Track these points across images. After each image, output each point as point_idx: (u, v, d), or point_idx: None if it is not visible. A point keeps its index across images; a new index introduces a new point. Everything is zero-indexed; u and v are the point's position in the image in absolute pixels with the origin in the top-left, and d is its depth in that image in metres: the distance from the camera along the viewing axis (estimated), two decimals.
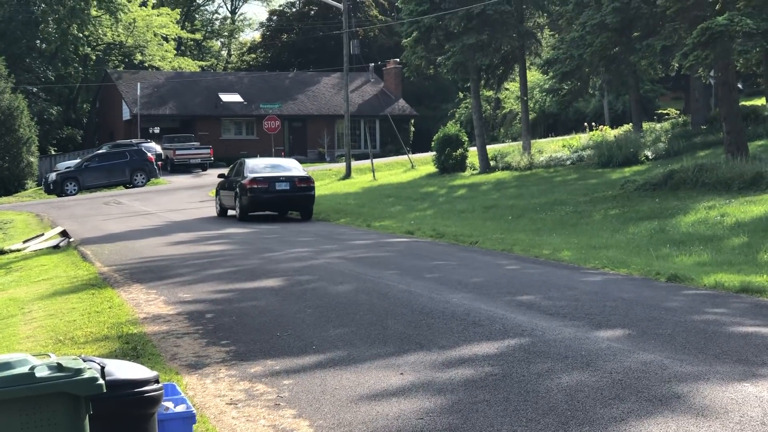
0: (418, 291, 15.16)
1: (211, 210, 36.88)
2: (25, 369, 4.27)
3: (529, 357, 10.31)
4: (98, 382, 4.30)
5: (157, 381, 5.07)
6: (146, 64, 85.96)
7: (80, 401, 4.30)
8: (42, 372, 4.26)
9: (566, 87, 38.07)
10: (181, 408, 6.01)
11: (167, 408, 5.95)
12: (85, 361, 4.70)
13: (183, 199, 44.38)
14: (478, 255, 20.62)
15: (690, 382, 8.99)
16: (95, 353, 11.38)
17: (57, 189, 55.17)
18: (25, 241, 29.32)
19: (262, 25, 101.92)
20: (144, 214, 37.20)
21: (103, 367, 4.76)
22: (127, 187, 55.79)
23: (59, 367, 4.31)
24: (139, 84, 72.02)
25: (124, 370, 5.00)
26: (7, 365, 4.30)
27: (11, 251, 27.48)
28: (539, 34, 47.92)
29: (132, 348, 11.76)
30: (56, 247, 26.90)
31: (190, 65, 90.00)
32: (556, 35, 44.53)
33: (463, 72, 47.39)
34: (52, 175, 57.10)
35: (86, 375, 4.30)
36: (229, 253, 22.35)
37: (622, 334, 11.40)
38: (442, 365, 10.17)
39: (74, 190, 54.77)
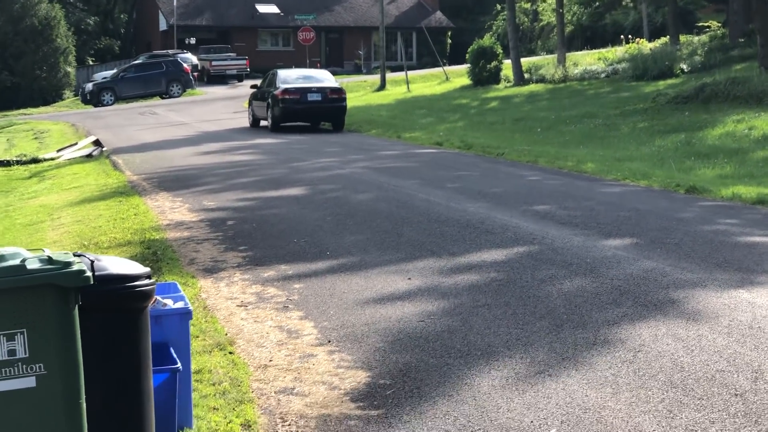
0: (437, 200, 15.37)
1: (245, 121, 37.07)
2: (17, 261, 4.51)
3: (535, 264, 10.53)
4: (86, 275, 4.54)
5: (149, 277, 5.31)
6: None
7: (69, 292, 4.54)
8: (33, 264, 4.51)
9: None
10: (179, 305, 6.28)
11: (165, 304, 6.23)
12: (78, 257, 4.95)
13: (217, 110, 44.59)
14: (502, 166, 20.77)
15: (687, 289, 9.21)
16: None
17: (93, 99, 55.53)
18: (58, 150, 29.72)
19: None
20: (178, 124, 37.46)
21: (92, 261, 5.01)
22: (162, 98, 56.04)
23: (49, 260, 4.56)
24: None
25: (117, 265, 5.24)
26: (0, 257, 4.57)
27: (45, 160, 27.88)
28: None
29: (152, 253, 12.08)
30: (89, 156, 27.27)
31: None
32: None
33: None
34: (89, 86, 57.43)
35: (75, 268, 4.54)
36: (257, 163, 22.61)
37: (629, 242, 11.59)
38: (449, 271, 10.42)
39: (111, 100, 55.10)
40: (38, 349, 4.51)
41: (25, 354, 4.50)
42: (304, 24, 61.69)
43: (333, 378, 7.13)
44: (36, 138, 37.66)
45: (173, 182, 19.42)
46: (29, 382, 4.52)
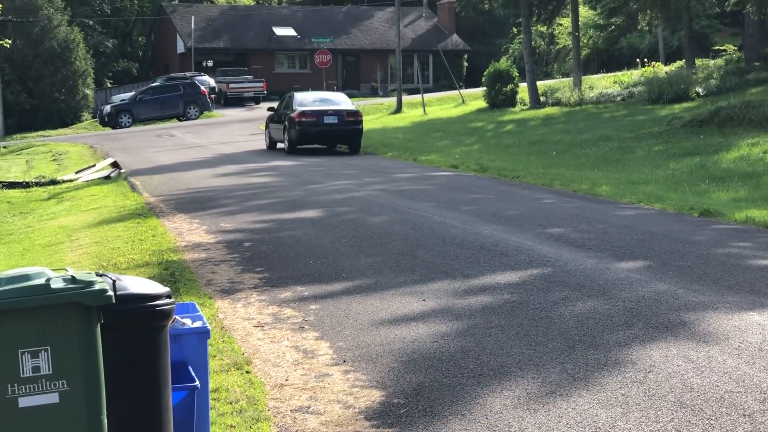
0: (452, 223, 15.50)
1: (261, 143, 37.31)
2: (41, 281, 4.66)
3: (548, 286, 10.65)
4: (107, 294, 4.69)
5: (169, 296, 5.45)
6: None
7: (92, 311, 4.69)
8: (57, 284, 4.66)
9: (614, 23, 37.88)
10: (197, 324, 6.41)
11: (183, 324, 6.36)
12: (100, 276, 5.09)
13: (234, 132, 44.85)
14: (517, 189, 20.90)
15: (698, 311, 9.31)
16: None
17: (111, 121, 55.91)
18: (77, 172, 29.96)
19: None
20: (195, 146, 37.71)
21: (114, 281, 5.16)
22: (180, 120, 56.38)
23: (73, 280, 4.70)
24: (193, 17, 72.40)
25: (137, 285, 5.39)
26: (25, 277, 4.70)
27: (64, 181, 28.11)
28: None
29: (170, 274, 12.22)
30: (107, 177, 27.48)
31: None
32: None
33: (514, 6, 47.35)
34: (107, 108, 57.83)
35: (97, 287, 4.68)
36: (274, 185, 22.77)
37: (642, 265, 11.70)
38: (463, 293, 10.54)
39: (128, 122, 55.46)
40: (61, 366, 4.65)
41: (49, 371, 4.65)
42: (321, 47, 61.95)
43: (348, 397, 7.25)
44: (54, 159, 37.95)
45: (190, 204, 19.59)
46: (53, 398, 4.66)
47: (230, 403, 7.16)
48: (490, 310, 9.70)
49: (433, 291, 10.64)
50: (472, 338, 8.66)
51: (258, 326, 9.55)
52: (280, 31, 76.32)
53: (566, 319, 9.16)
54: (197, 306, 6.85)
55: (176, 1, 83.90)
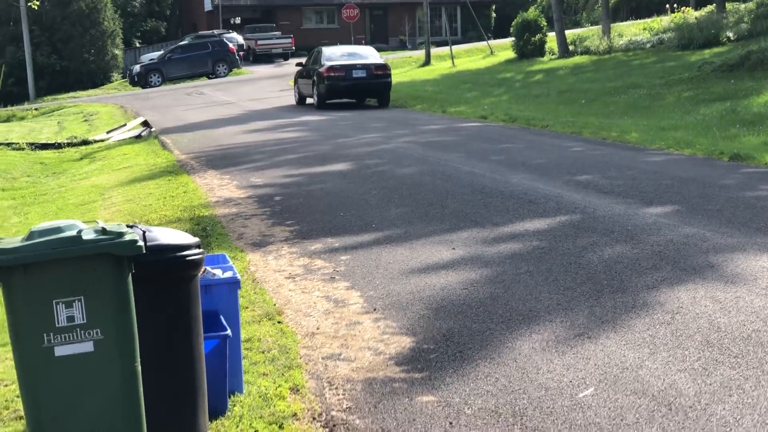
0: (481, 172, 15.54)
1: (291, 99, 37.34)
2: (73, 232, 4.75)
3: (577, 232, 10.70)
4: (138, 244, 4.77)
5: (198, 246, 5.53)
6: None
7: (123, 261, 4.78)
8: (88, 235, 4.75)
9: None
10: (228, 274, 6.51)
11: (214, 274, 6.46)
12: (131, 227, 5.19)
13: (263, 89, 44.89)
14: (546, 138, 20.88)
15: (726, 253, 9.35)
16: None
17: (141, 81, 56.06)
18: (108, 132, 30.12)
19: None
20: (224, 103, 37.79)
21: (144, 232, 5.25)
22: (209, 78, 56.47)
23: (103, 231, 4.79)
24: None
25: (167, 236, 5.48)
26: (58, 229, 4.80)
27: (95, 141, 28.28)
28: None
29: (202, 229, 12.34)
30: (138, 137, 27.62)
31: None
32: None
33: None
34: (136, 67, 57.98)
35: (127, 237, 4.77)
36: (303, 140, 22.84)
37: (671, 210, 11.72)
38: (492, 240, 10.60)
39: (158, 81, 55.60)
40: (95, 315, 4.76)
41: (83, 320, 4.75)
42: (348, 1, 61.78)
43: (378, 344, 7.34)
44: (86, 120, 38.13)
45: (221, 160, 19.69)
46: (87, 347, 4.77)
47: (263, 352, 7.27)
48: (518, 256, 9.77)
49: (462, 239, 10.71)
50: (501, 285, 8.74)
51: (289, 277, 9.66)
52: None
53: (594, 264, 9.22)
54: (227, 257, 6.95)
55: None
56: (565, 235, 10.56)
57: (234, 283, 6.40)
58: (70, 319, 4.73)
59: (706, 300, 7.83)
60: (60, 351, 4.74)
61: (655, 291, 8.18)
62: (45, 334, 4.71)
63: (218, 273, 6.51)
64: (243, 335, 7.60)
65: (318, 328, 7.87)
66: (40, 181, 21.42)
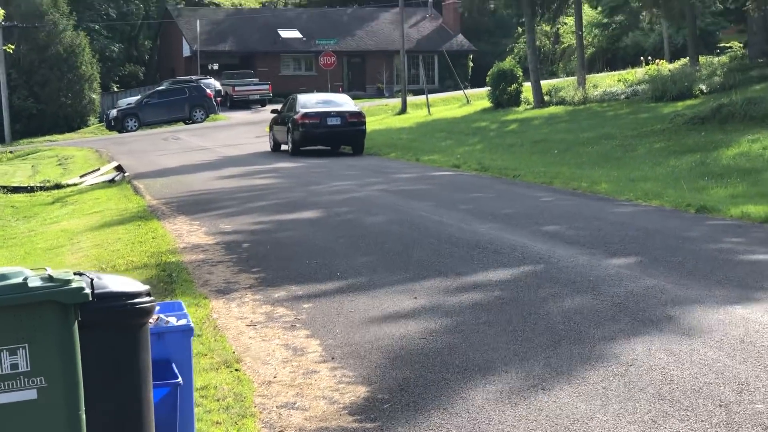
0: (450, 221, 15.60)
1: (266, 145, 37.40)
2: (19, 279, 4.76)
3: (539, 282, 10.75)
4: (84, 292, 4.79)
5: (148, 294, 5.54)
6: (206, 1, 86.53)
7: (69, 308, 4.79)
8: (34, 282, 4.76)
9: (616, 21, 37.87)
10: (182, 322, 6.51)
11: (167, 322, 6.47)
12: (79, 275, 5.20)
13: (240, 135, 44.97)
14: (517, 188, 20.99)
15: (685, 305, 9.41)
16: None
17: (118, 125, 56.12)
18: (81, 176, 30.13)
19: None
20: (200, 149, 37.84)
21: (92, 279, 5.26)
22: (186, 123, 56.55)
23: (50, 279, 4.81)
24: (198, 21, 72.51)
25: (117, 283, 5.49)
26: (3, 276, 4.81)
27: (68, 185, 28.28)
28: None
29: (167, 275, 12.35)
30: (111, 181, 27.64)
31: (250, 1, 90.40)
32: None
33: (516, 6, 47.38)
34: (113, 112, 58.07)
35: (74, 285, 4.79)
36: (275, 186, 22.89)
37: (633, 261, 11.80)
38: (455, 290, 10.64)
39: (134, 126, 55.65)
40: (39, 362, 4.76)
41: (27, 368, 4.75)
42: (325, 49, 62.08)
43: (333, 393, 7.35)
44: (60, 164, 38.13)
45: (192, 206, 19.71)
46: (31, 394, 4.76)
47: (218, 400, 7.27)
48: (479, 306, 9.80)
49: (425, 289, 10.75)
50: (460, 334, 8.77)
51: (250, 325, 9.66)
52: (285, 33, 76.47)
53: (554, 315, 9.27)
54: (183, 305, 6.95)
55: (182, 5, 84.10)
56: (527, 286, 10.61)
57: (187, 331, 6.40)
58: (14, 366, 4.73)
59: (661, 352, 7.88)
60: (2, 398, 4.73)
61: (612, 342, 8.23)
62: None
63: (172, 320, 6.50)
64: (199, 382, 7.61)
65: (275, 377, 7.87)
66: (9, 224, 21.38)
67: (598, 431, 6.27)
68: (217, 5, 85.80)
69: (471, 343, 8.44)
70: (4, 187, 28.49)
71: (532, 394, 7.05)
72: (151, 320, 6.35)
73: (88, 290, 4.85)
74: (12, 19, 57.50)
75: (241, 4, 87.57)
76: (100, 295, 5.26)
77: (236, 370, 8.09)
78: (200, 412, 6.89)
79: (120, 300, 5.39)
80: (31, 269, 5.04)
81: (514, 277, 11.15)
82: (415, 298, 10.34)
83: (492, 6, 49.60)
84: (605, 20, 40.26)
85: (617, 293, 10.02)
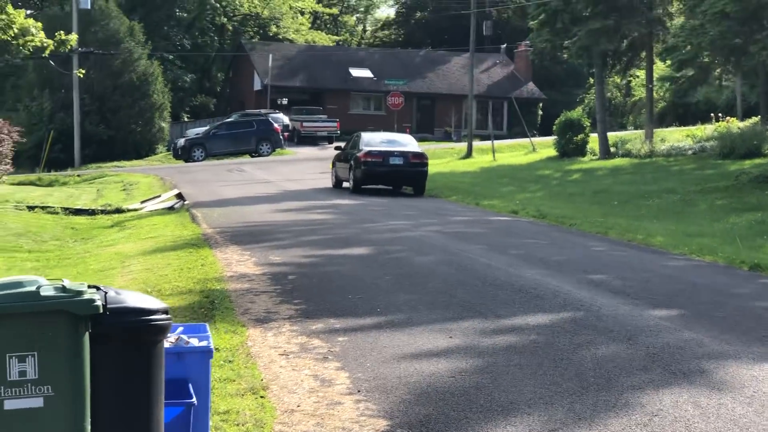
0: (498, 265, 15.55)
1: (328, 181, 37.55)
2: (32, 288, 4.84)
3: (576, 329, 10.68)
4: (95, 304, 4.86)
5: (166, 312, 5.59)
6: (280, 36, 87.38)
7: (79, 319, 4.86)
8: (47, 292, 4.84)
9: (684, 75, 37.65)
10: (203, 344, 6.55)
11: (188, 342, 6.51)
12: (96, 288, 5.26)
13: (304, 170, 45.21)
14: (571, 236, 20.89)
15: (720, 360, 9.30)
16: (175, 305, 12.09)
17: (185, 154, 56.64)
18: (142, 202, 30.47)
19: (397, 1, 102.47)
20: (262, 182, 38.09)
21: (106, 293, 5.32)
22: (252, 156, 56.97)
23: (63, 289, 4.88)
24: (271, 55, 73.14)
25: (134, 299, 5.54)
26: (19, 284, 4.89)
27: (128, 210, 28.60)
28: (668, 21, 47.35)
29: (210, 301, 12.43)
30: (171, 208, 27.90)
31: (323, 39, 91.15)
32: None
33: (587, 57, 47.27)
34: (181, 141, 58.65)
35: (86, 297, 4.86)
36: (331, 222, 22.97)
37: (676, 314, 11.68)
38: (491, 332, 10.60)
39: (201, 156, 56.15)
40: (48, 371, 4.82)
41: (35, 375, 4.82)
42: (394, 89, 62.36)
43: (353, 425, 7.35)
44: (124, 189, 38.58)
45: (245, 236, 19.82)
46: (37, 402, 4.83)
47: (237, 425, 7.29)
48: (513, 349, 9.75)
49: (462, 329, 10.71)
50: (489, 375, 8.73)
51: (283, 354, 9.68)
52: (356, 72, 76.91)
53: (586, 362, 9.19)
54: (207, 327, 6.99)
55: (255, 39, 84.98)
56: (564, 331, 10.54)
57: (207, 352, 6.44)
58: (22, 373, 4.80)
59: (688, 405, 7.78)
60: (9, 405, 4.80)
61: (640, 392, 8.14)
62: None
63: (194, 342, 6.55)
64: (223, 407, 7.65)
65: (298, 406, 7.88)
66: (67, 245, 21.67)
67: None
68: (291, 41, 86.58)
69: (498, 384, 8.40)
70: (66, 209, 28.88)
71: None
72: (172, 340, 6.42)
73: (99, 303, 4.91)
74: (89, 46, 58.35)
75: (314, 41, 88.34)
76: (116, 310, 5.32)
77: (261, 397, 8.11)
78: None
79: (135, 316, 5.44)
80: (48, 279, 5.11)
81: (552, 322, 11.09)
82: (451, 337, 10.31)
83: (562, 55, 49.40)
84: (674, 74, 39.94)
85: (653, 344, 9.93)
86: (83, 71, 38.16)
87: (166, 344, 6.15)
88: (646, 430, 7.14)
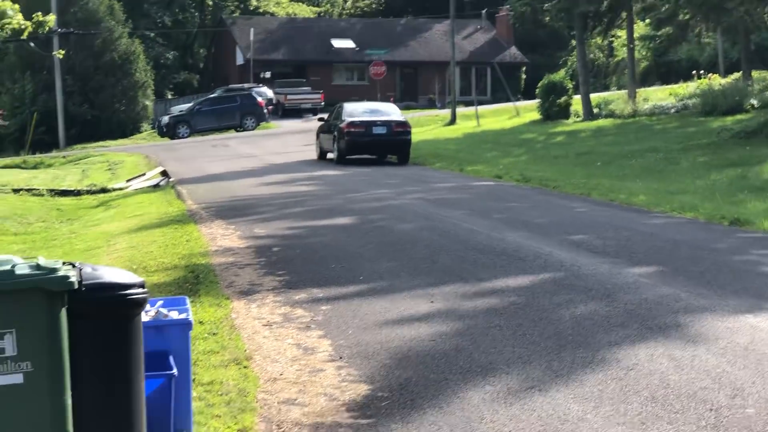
0: (480, 229, 15.67)
1: (313, 153, 37.59)
2: (7, 267, 4.94)
3: (556, 289, 10.82)
4: (69, 280, 4.95)
5: (142, 286, 5.69)
6: (261, 10, 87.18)
7: (55, 296, 4.95)
8: (22, 270, 4.93)
9: (663, 34, 37.72)
10: (182, 316, 6.66)
11: (167, 315, 6.62)
12: (72, 265, 5.35)
13: (288, 143, 45.23)
14: (554, 198, 21.02)
15: (696, 313, 9.44)
16: (161, 281, 12.21)
17: (170, 132, 56.59)
18: (127, 180, 30.50)
19: None
20: (247, 156, 38.13)
21: (81, 269, 5.42)
22: (237, 131, 56.94)
23: (37, 267, 4.98)
24: (252, 29, 73.02)
25: (111, 274, 5.63)
26: None
27: (114, 189, 28.65)
28: None
29: (194, 276, 12.54)
30: (156, 186, 27.96)
31: (304, 11, 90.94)
32: None
33: (568, 19, 47.38)
34: (165, 119, 58.59)
35: (60, 273, 4.95)
36: (314, 194, 23.07)
37: (654, 270, 11.83)
38: (472, 295, 10.73)
39: (186, 133, 56.10)
40: (26, 348, 4.92)
41: (14, 352, 4.91)
42: (375, 59, 62.32)
43: (335, 390, 7.47)
44: (109, 169, 38.59)
45: (230, 211, 19.92)
46: (17, 378, 4.93)
47: (221, 395, 7.41)
48: (493, 311, 9.89)
49: (444, 293, 10.84)
50: (469, 337, 8.86)
51: (266, 325, 9.80)
52: (338, 43, 76.82)
53: (565, 321, 9.34)
54: (187, 300, 7.09)
55: (236, 14, 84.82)
56: (544, 292, 10.68)
57: (186, 325, 6.55)
58: (1, 350, 4.89)
59: (663, 358, 7.93)
60: None
61: (617, 348, 8.29)
62: None
63: (173, 315, 6.66)
64: (206, 378, 7.77)
65: (281, 374, 8.00)
66: (53, 226, 21.73)
67: (586, 431, 6.34)
68: (272, 14, 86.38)
69: (478, 346, 8.53)
70: (51, 190, 28.94)
71: (528, 395, 7.13)
72: (152, 313, 6.53)
73: (74, 279, 5.01)
74: (68, 26, 58.15)
75: (295, 14, 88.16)
76: (92, 286, 5.41)
77: (245, 367, 8.23)
78: (202, 406, 7.03)
79: (112, 291, 5.54)
80: (24, 258, 5.21)
81: (533, 283, 11.22)
82: (432, 302, 10.44)
83: (546, 18, 49.41)
84: (652, 33, 40.00)
85: (631, 300, 10.07)
86: (62, 52, 38.14)
87: (146, 318, 6.27)
88: (621, 384, 7.28)
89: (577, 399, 6.98)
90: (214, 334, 9.37)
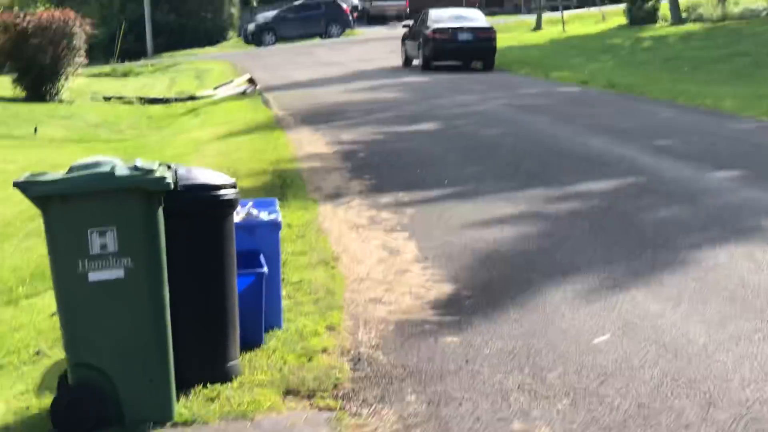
0: (564, 135, 15.74)
1: (398, 60, 37.56)
2: (108, 168, 5.20)
3: (639, 193, 10.92)
4: (166, 181, 5.18)
5: (234, 186, 5.93)
6: None
7: (152, 195, 5.19)
8: (121, 171, 5.18)
9: None
10: (272, 217, 6.90)
11: (257, 216, 6.87)
12: (167, 167, 5.59)
13: (373, 50, 45.17)
14: (640, 104, 20.91)
15: None
16: (249, 186, 12.47)
17: (256, 39, 56.77)
18: (215, 88, 30.79)
19: None
20: (332, 63, 38.20)
21: (176, 171, 5.66)
22: (322, 38, 56.92)
23: (135, 168, 5.23)
24: None
25: (204, 175, 5.88)
26: (95, 165, 5.24)
27: (201, 97, 28.97)
28: None
29: (282, 180, 12.80)
30: (243, 93, 28.23)
31: None
32: None
33: None
34: (251, 26, 58.74)
35: (157, 174, 5.20)
36: (400, 100, 23.17)
37: (738, 174, 11.86)
38: (556, 199, 10.87)
39: (271, 40, 56.23)
40: (126, 245, 5.19)
41: (115, 249, 5.18)
42: None
43: (420, 290, 7.70)
44: (197, 77, 38.94)
45: (316, 117, 20.12)
46: (119, 273, 5.21)
47: (310, 293, 7.65)
48: (576, 214, 10.04)
49: (527, 197, 11.00)
50: (551, 239, 9.04)
51: (353, 227, 10.04)
52: None
53: (647, 224, 9.46)
54: (276, 202, 7.32)
55: None
56: (627, 196, 10.79)
57: (275, 225, 6.79)
58: (103, 247, 5.17)
59: (743, 259, 8.04)
60: (93, 276, 5.18)
61: (697, 249, 8.40)
62: (80, 261, 5.16)
63: (263, 215, 6.90)
64: (295, 278, 8.03)
65: (368, 274, 8.24)
66: (143, 134, 22.14)
67: (664, 328, 6.50)
68: None
69: (560, 247, 8.70)
70: (141, 99, 29.34)
71: (608, 294, 7.29)
72: (242, 215, 6.77)
73: (170, 180, 5.25)
74: None
75: None
76: (188, 186, 5.68)
77: (332, 267, 8.47)
78: (291, 304, 7.29)
79: (206, 191, 5.80)
80: (124, 160, 5.46)
81: (616, 188, 11.33)
82: (516, 205, 10.59)
83: None
84: None
85: (713, 204, 10.15)
86: None
87: (237, 219, 6.51)
88: (701, 284, 7.41)
89: (657, 299, 7.13)
90: (302, 236, 9.62)
